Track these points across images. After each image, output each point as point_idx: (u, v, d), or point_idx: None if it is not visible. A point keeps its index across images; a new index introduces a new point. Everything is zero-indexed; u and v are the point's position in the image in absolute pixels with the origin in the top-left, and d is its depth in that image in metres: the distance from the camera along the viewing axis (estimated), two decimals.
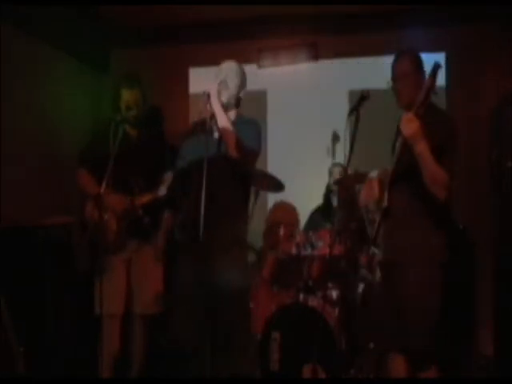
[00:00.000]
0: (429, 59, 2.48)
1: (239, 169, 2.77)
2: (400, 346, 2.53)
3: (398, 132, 2.50)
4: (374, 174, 2.68)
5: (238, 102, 2.90)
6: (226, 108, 2.77)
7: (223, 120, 2.70)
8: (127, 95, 3.21)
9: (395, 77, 2.59)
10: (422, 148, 2.34)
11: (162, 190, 2.99)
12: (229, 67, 2.86)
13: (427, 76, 2.37)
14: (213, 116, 2.73)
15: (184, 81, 5.16)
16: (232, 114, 2.86)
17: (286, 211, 4.29)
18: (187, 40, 5.01)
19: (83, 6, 4.43)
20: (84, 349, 3.57)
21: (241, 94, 2.89)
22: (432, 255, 2.49)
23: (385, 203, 2.50)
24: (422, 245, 2.49)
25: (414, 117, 2.34)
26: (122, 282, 3.18)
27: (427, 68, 2.42)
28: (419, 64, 2.60)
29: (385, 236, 2.57)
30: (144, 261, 3.23)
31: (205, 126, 2.71)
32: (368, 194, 2.64)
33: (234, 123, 2.76)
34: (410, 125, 2.34)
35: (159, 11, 4.60)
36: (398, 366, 2.58)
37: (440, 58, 4.55)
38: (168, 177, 3.07)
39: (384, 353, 2.68)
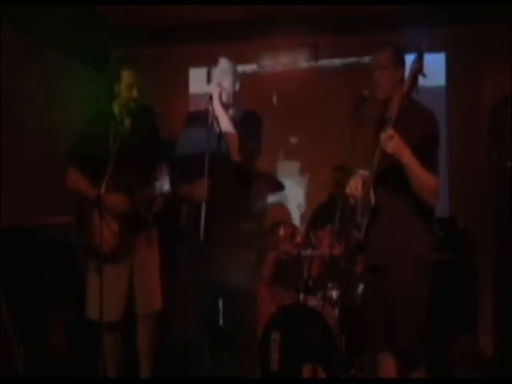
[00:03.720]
0: (429, 59, 2.48)
1: (241, 167, 2.76)
2: (389, 346, 2.52)
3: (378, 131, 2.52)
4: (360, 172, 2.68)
5: (235, 98, 2.90)
6: (226, 108, 2.78)
7: (225, 122, 2.71)
8: (129, 77, 3.08)
9: (374, 65, 2.61)
10: (407, 158, 2.37)
11: (160, 185, 2.92)
12: (221, 67, 2.86)
13: (413, 61, 2.37)
14: (214, 117, 2.73)
15: (184, 81, 5.17)
16: (231, 110, 2.87)
17: (286, 211, 4.29)
18: (187, 40, 5.02)
19: (83, 6, 4.44)
20: (84, 349, 3.57)
21: (237, 90, 2.89)
22: (420, 256, 2.49)
23: (372, 203, 2.51)
24: (409, 245, 2.49)
25: (394, 132, 2.36)
26: (124, 288, 3.08)
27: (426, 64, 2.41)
28: (398, 60, 2.60)
29: (372, 237, 2.57)
30: (147, 260, 3.15)
31: (206, 120, 2.70)
32: (351, 192, 2.65)
33: (234, 119, 2.76)
34: (392, 141, 2.36)
35: (159, 11, 4.60)
36: (387, 367, 2.58)
37: (440, 57, 4.58)
38: (163, 169, 3.04)
39: (374, 353, 2.68)
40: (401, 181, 2.44)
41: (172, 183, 2.84)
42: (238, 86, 2.88)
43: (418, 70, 2.35)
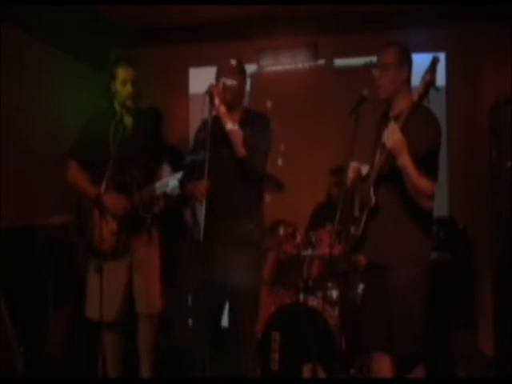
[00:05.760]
0: (428, 59, 2.46)
1: (248, 168, 2.75)
2: (387, 347, 2.51)
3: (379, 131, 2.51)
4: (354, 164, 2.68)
5: (243, 98, 2.89)
6: (231, 107, 2.77)
7: (228, 120, 2.70)
8: (123, 72, 3.09)
9: (377, 64, 2.56)
10: (404, 161, 2.34)
11: (161, 185, 2.94)
12: (228, 66, 2.85)
13: (425, 71, 2.33)
14: (216, 116, 2.73)
15: (184, 81, 5.16)
16: (239, 110, 2.86)
17: (285, 211, 4.29)
18: (187, 40, 5.02)
19: (83, 6, 4.44)
20: (84, 349, 3.57)
21: (245, 90, 2.88)
22: (419, 256, 2.49)
23: (372, 203, 2.50)
24: (408, 246, 2.49)
25: (398, 128, 2.33)
26: (124, 287, 3.09)
27: (425, 64, 2.37)
28: (404, 59, 2.54)
29: (372, 237, 2.56)
30: (147, 259, 3.14)
31: (207, 126, 2.69)
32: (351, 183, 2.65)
33: (242, 120, 2.76)
34: (393, 136, 2.34)
35: (159, 11, 4.60)
36: (382, 367, 2.58)
37: (440, 58, 4.58)
38: (164, 169, 3.04)
39: (370, 353, 2.68)
40: (401, 182, 2.43)
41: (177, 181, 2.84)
42: (246, 86, 2.87)
43: (431, 82, 2.29)
